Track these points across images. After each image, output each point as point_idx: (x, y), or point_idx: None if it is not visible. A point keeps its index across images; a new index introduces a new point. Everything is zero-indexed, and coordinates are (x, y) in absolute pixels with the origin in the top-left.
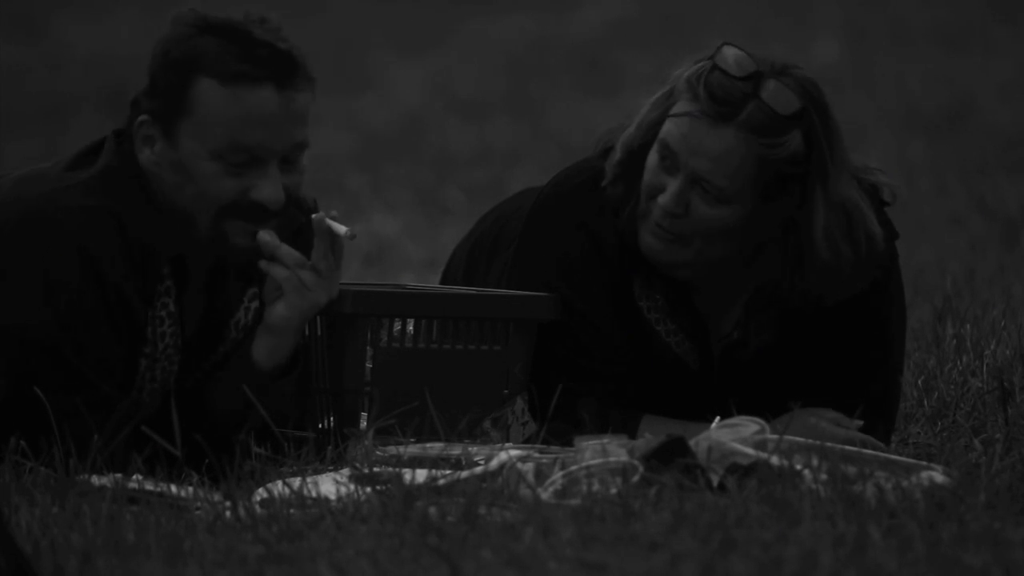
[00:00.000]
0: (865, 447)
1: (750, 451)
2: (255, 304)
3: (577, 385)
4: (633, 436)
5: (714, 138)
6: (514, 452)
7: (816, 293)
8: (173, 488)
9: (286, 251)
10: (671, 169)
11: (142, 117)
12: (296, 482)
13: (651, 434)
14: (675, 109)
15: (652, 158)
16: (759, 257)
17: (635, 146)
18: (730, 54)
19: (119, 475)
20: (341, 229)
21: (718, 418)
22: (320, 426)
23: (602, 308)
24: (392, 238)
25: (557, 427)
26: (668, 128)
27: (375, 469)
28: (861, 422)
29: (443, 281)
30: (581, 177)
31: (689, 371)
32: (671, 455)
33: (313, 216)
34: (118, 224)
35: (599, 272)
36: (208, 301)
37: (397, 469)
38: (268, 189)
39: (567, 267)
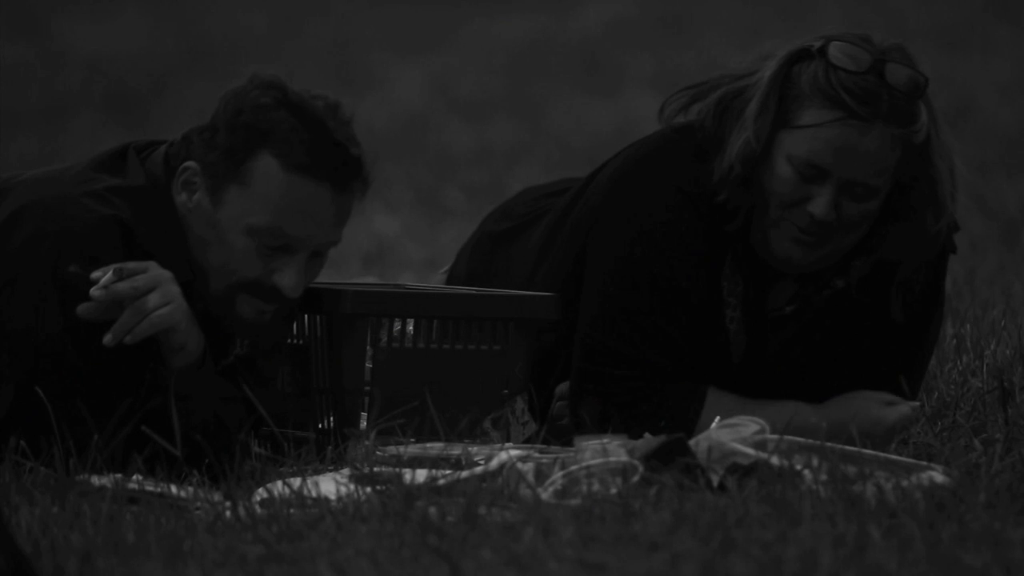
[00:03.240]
0: (899, 428)
1: (750, 451)
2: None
3: (647, 354)
4: (699, 414)
5: (868, 140)
6: (514, 452)
7: (929, 248)
8: (173, 488)
9: (120, 288)
10: (817, 179)
11: (190, 163)
12: (296, 482)
13: (717, 411)
14: (808, 119)
15: (788, 173)
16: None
17: (756, 157)
18: (841, 50)
19: (119, 475)
20: (109, 279)
21: (718, 418)
22: (320, 426)
23: (690, 280)
24: (392, 238)
25: (557, 427)
26: (807, 144)
27: (375, 469)
28: (917, 403)
29: (450, 280)
30: (679, 147)
31: (728, 363)
32: (671, 455)
33: (95, 294)
34: (130, 236)
35: (699, 244)
36: (216, 316)
37: (397, 469)
38: (291, 278)
39: (671, 232)
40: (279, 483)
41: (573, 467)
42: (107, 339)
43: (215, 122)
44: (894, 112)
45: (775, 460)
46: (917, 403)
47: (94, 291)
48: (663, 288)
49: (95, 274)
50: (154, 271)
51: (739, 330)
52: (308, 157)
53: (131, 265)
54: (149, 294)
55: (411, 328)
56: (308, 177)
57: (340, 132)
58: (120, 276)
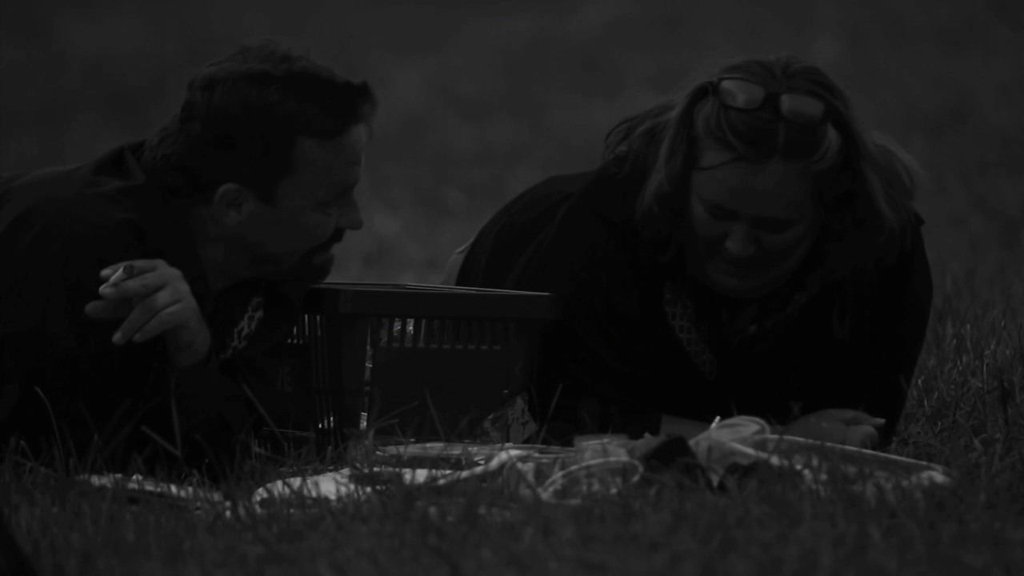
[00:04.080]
0: (865, 447)
1: (750, 451)
2: (259, 314)
3: (599, 387)
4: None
5: (763, 179)
6: (514, 452)
7: (873, 259)
8: (173, 488)
9: (130, 286)
10: (727, 217)
11: (228, 186)
12: (296, 482)
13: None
14: (706, 162)
15: (701, 213)
16: (817, 250)
17: (671, 198)
18: (732, 88)
19: (119, 475)
20: (120, 276)
21: (718, 418)
22: (320, 426)
23: (632, 310)
24: (392, 238)
25: (557, 427)
26: (709, 186)
27: (375, 469)
28: (881, 420)
29: (468, 261)
30: (612, 182)
31: (704, 381)
32: (671, 455)
33: (105, 291)
34: (138, 238)
35: (631, 274)
36: (213, 309)
37: (397, 469)
38: (356, 216)
39: (600, 267)
40: (279, 483)
41: (573, 467)
42: (117, 337)
43: (228, 133)
44: (791, 146)
45: (775, 460)
46: (881, 421)
47: (104, 288)
48: (602, 320)
49: (105, 272)
50: (163, 269)
51: (703, 350)
52: (335, 119)
53: (140, 263)
54: (159, 292)
55: (411, 328)
56: (343, 134)
57: (334, 74)
58: (130, 274)
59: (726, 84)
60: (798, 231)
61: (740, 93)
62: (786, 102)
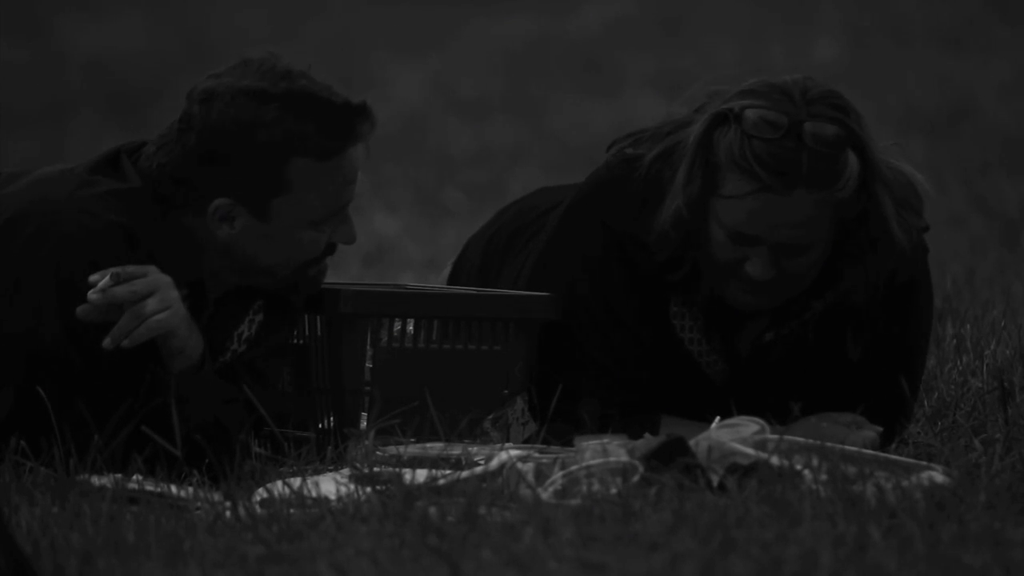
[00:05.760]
0: (866, 447)
1: (750, 451)
2: (259, 317)
3: (598, 389)
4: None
5: (789, 207)
6: (514, 452)
7: (884, 279)
8: (173, 488)
9: (118, 292)
10: (749, 243)
11: (221, 200)
12: (296, 482)
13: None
14: (729, 190)
15: (721, 238)
16: (832, 266)
17: (689, 223)
18: (755, 116)
19: (119, 475)
20: (107, 283)
21: (718, 418)
22: (320, 426)
23: (631, 313)
24: (392, 238)
25: (557, 427)
26: (731, 214)
27: (375, 469)
28: (880, 428)
29: (455, 273)
30: (617, 187)
31: (712, 386)
32: (671, 455)
33: (92, 297)
34: (129, 241)
35: (629, 280)
36: (214, 312)
37: (397, 469)
38: (350, 232)
39: (597, 269)
40: (279, 483)
41: (573, 467)
42: (106, 343)
43: (222, 149)
44: (814, 175)
45: (775, 460)
46: (881, 428)
47: (91, 294)
48: (599, 322)
49: (93, 277)
50: (153, 276)
51: (715, 360)
52: (332, 140)
53: (131, 269)
54: (147, 299)
55: (411, 328)
56: (340, 155)
57: (334, 94)
58: (118, 280)
59: (750, 113)
60: (817, 252)
61: (765, 121)
62: (810, 129)
